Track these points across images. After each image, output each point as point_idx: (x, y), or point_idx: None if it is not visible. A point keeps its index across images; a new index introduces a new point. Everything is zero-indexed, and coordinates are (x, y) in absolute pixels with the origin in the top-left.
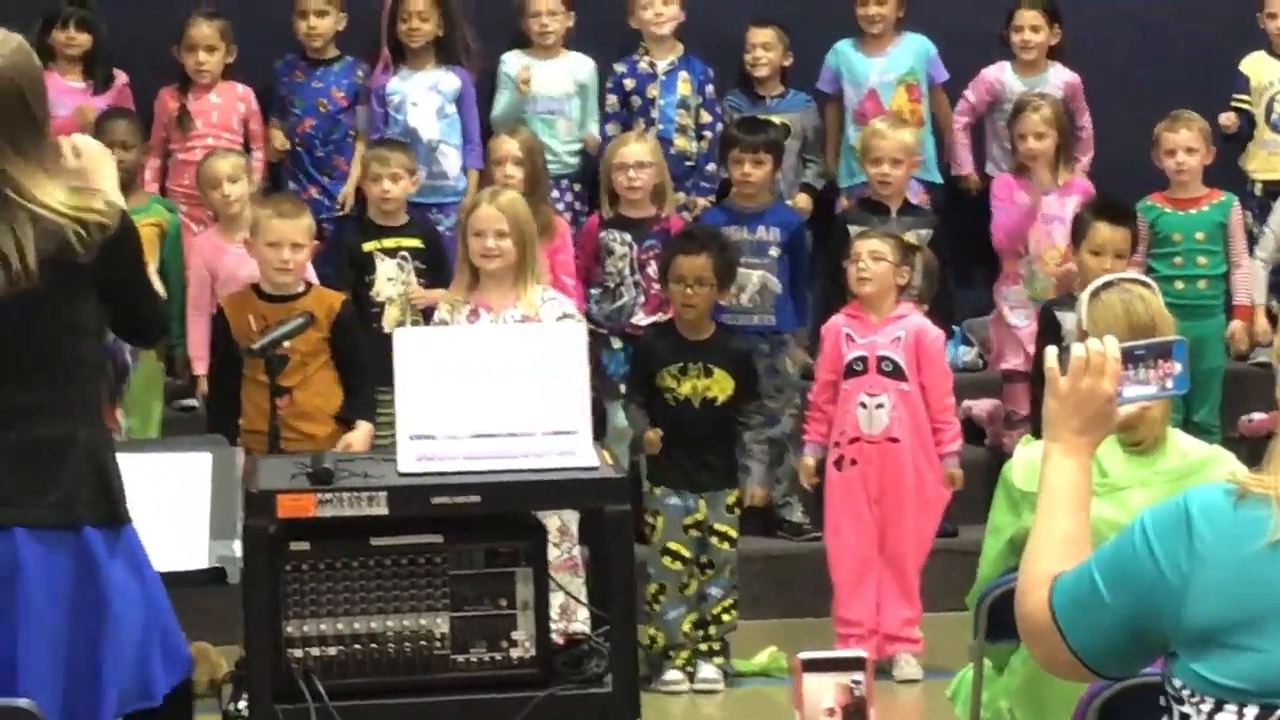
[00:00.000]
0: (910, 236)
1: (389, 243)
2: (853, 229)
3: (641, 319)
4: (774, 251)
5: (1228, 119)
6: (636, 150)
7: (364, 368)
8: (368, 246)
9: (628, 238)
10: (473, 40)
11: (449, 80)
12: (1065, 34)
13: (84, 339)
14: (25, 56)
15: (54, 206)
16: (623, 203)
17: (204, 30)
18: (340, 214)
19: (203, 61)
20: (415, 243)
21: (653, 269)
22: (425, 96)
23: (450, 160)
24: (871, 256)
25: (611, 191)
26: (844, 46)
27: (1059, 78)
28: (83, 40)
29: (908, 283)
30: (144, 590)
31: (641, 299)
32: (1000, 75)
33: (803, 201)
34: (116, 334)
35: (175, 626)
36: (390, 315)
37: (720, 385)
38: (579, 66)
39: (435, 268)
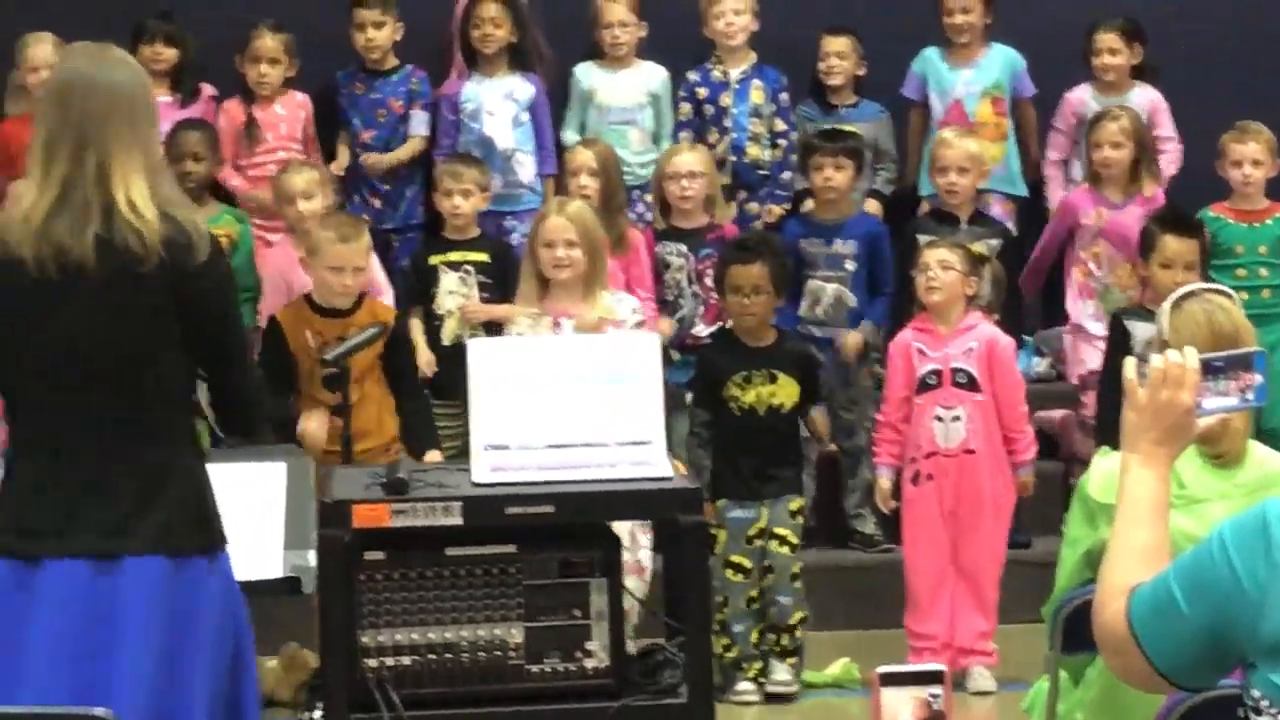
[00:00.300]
0: (979, 247)
1: (454, 256)
2: (921, 239)
3: (702, 329)
4: (850, 265)
5: None
6: (688, 160)
7: (416, 387)
8: (433, 260)
9: (683, 248)
10: (545, 47)
11: (523, 88)
12: (1148, 52)
13: (174, 371)
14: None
15: (131, 198)
16: (675, 213)
17: (268, 43)
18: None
19: (265, 74)
20: (482, 257)
21: (710, 279)
22: (501, 105)
23: (525, 168)
24: (940, 266)
25: (663, 201)
26: (931, 54)
27: (1143, 98)
28: (169, 55)
29: (975, 293)
30: (236, 618)
31: (701, 309)
32: (1082, 97)
33: (872, 207)
34: (216, 415)
35: (252, 660)
36: (449, 328)
37: (786, 391)
38: (651, 76)
39: (501, 282)
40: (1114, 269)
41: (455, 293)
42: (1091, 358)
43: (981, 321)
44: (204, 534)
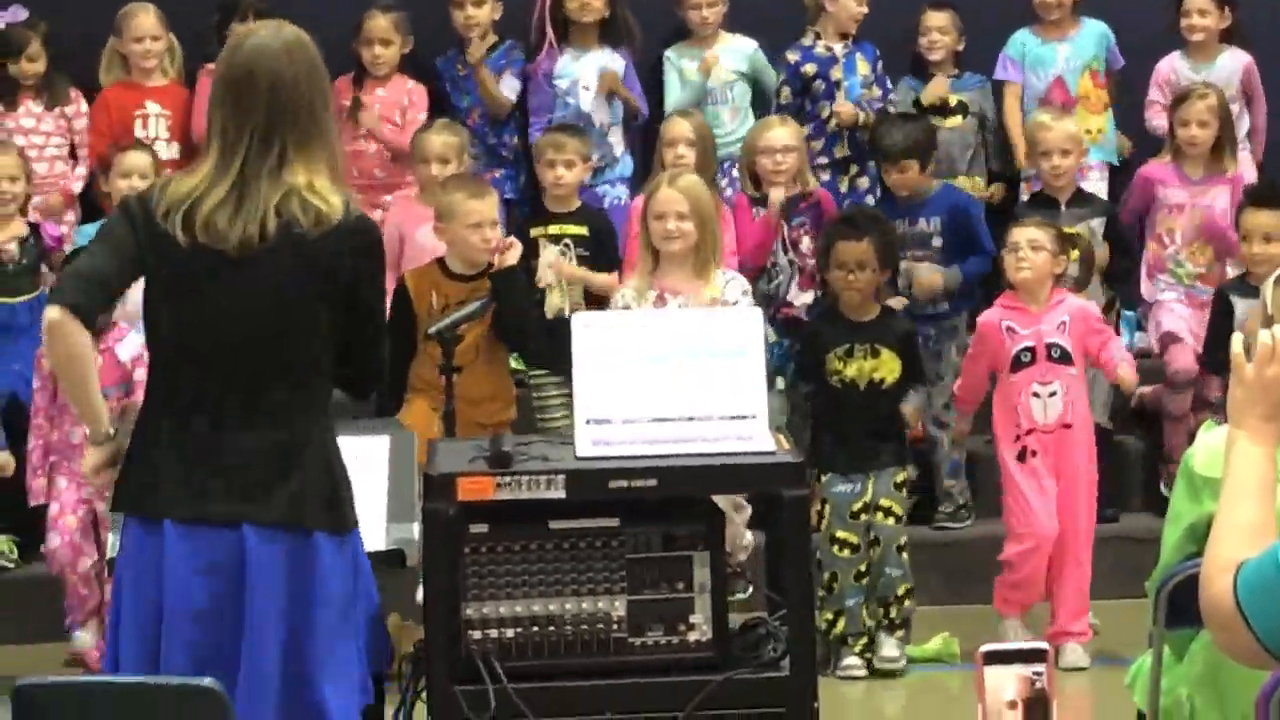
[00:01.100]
0: (1082, 228)
1: (554, 229)
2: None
3: (796, 295)
4: (936, 242)
5: None
6: (782, 135)
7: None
8: (534, 231)
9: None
10: (633, 22)
11: (615, 62)
12: (1238, 18)
13: (322, 345)
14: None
15: (314, 186)
16: (765, 185)
17: (380, 23)
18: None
19: (379, 55)
20: (580, 230)
21: (805, 245)
22: (595, 80)
23: (616, 142)
24: (1030, 246)
25: (752, 174)
26: (1024, 35)
27: (1234, 61)
28: None
29: (1064, 271)
30: (361, 596)
31: (796, 276)
32: (1172, 64)
33: (996, 191)
34: (346, 385)
35: (384, 630)
36: (551, 302)
37: (888, 366)
38: (740, 51)
39: (600, 255)
40: (1188, 244)
41: (552, 267)
42: (1168, 319)
43: (1069, 295)
44: (333, 510)
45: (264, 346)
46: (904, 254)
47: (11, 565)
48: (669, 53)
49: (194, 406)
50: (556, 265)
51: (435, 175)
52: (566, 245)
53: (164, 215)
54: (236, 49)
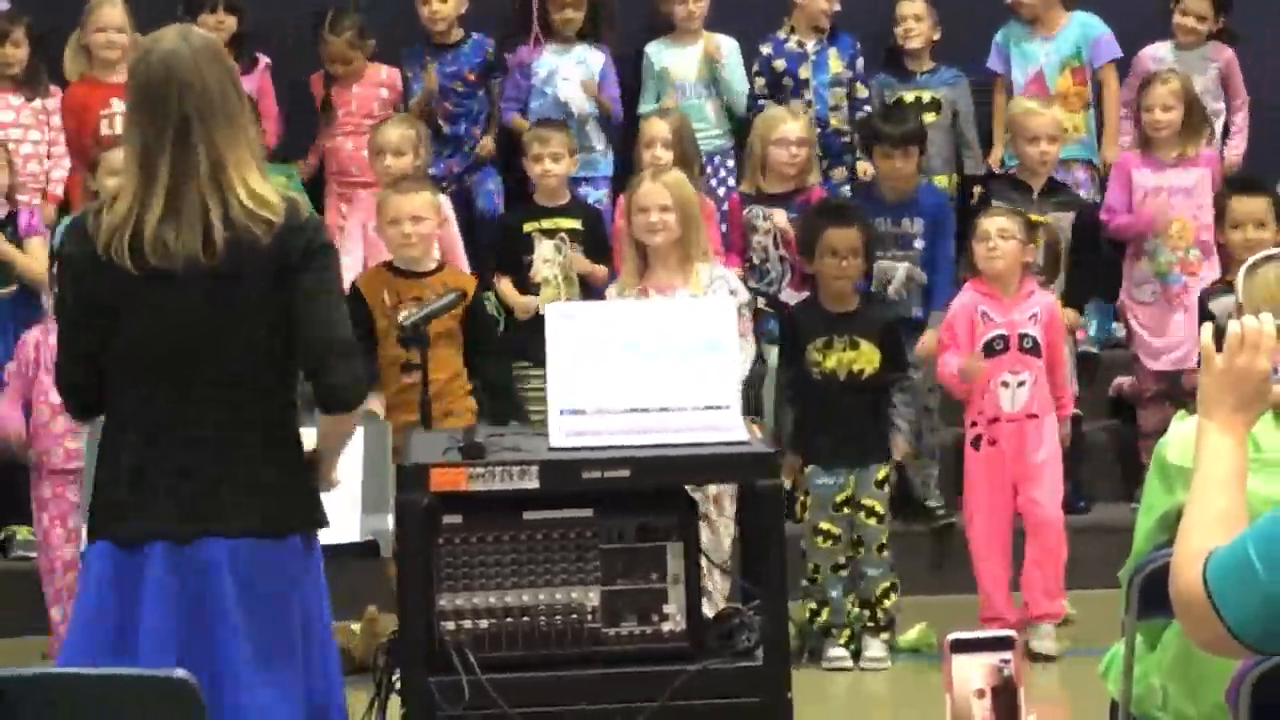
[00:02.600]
0: (1051, 217)
1: (547, 223)
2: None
3: (790, 296)
4: (919, 244)
5: None
6: (795, 128)
7: (496, 354)
8: (528, 227)
9: (770, 212)
10: (614, 17)
11: (594, 57)
12: (1229, 21)
13: (285, 351)
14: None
15: (251, 189)
16: (770, 177)
17: (343, 23)
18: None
19: (347, 54)
20: (574, 224)
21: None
22: (574, 70)
23: (596, 135)
24: (1000, 235)
25: (761, 165)
26: (1015, 26)
27: (1215, 53)
28: (230, 23)
29: (1031, 260)
30: (323, 596)
31: (788, 275)
32: (1154, 53)
33: (944, 182)
34: (319, 395)
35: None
36: (546, 295)
37: (867, 357)
38: (720, 48)
39: (594, 248)
40: (1165, 229)
41: (551, 261)
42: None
43: (1038, 288)
44: (303, 514)
45: (224, 354)
46: (885, 253)
47: (33, 556)
48: (649, 48)
49: (156, 419)
50: (568, 263)
51: (388, 166)
52: (562, 239)
53: (106, 247)
54: (144, 58)
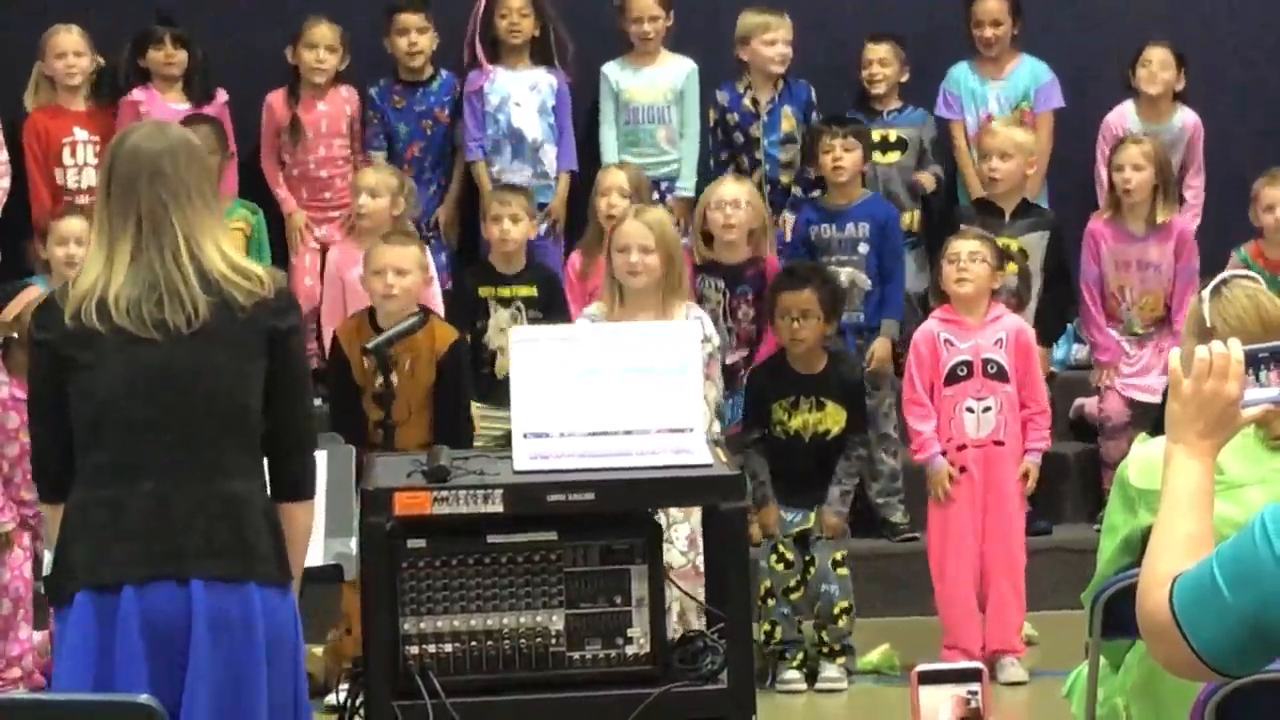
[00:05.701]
0: (1022, 241)
1: (504, 291)
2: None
3: (731, 357)
4: (863, 249)
5: None
6: (733, 189)
7: (458, 416)
8: (483, 292)
9: (720, 284)
10: (567, 40)
11: (546, 80)
12: (1189, 80)
13: (257, 401)
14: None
15: (231, 260)
16: (717, 245)
17: (324, 31)
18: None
19: (323, 60)
20: (530, 291)
21: (743, 312)
22: (527, 96)
23: (550, 161)
24: (970, 257)
25: (705, 233)
26: (961, 71)
27: (1187, 118)
28: (180, 58)
29: (1000, 286)
30: (299, 641)
31: (732, 343)
32: (1123, 119)
33: (926, 179)
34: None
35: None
36: (502, 365)
37: (833, 418)
38: (678, 71)
39: (552, 314)
40: (1136, 300)
41: (506, 330)
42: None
43: (1006, 312)
44: (281, 565)
45: (196, 418)
46: (829, 260)
47: None
48: (607, 68)
49: (135, 470)
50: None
51: (360, 206)
52: (518, 309)
53: (74, 316)
54: (117, 147)
